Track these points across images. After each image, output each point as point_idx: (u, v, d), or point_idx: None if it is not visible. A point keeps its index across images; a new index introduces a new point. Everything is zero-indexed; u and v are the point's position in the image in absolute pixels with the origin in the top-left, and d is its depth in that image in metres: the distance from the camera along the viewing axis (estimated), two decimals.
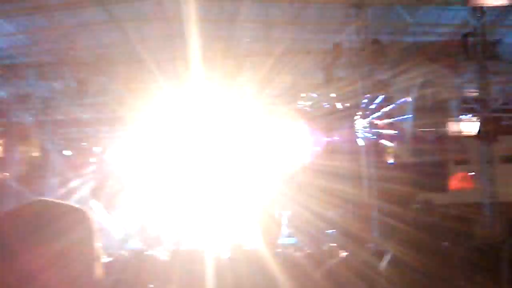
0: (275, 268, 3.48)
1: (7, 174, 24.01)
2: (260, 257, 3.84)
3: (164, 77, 20.88)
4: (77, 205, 1.67)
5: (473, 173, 24.40)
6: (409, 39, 20.57)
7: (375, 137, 22.75)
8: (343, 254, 11.12)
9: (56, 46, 21.10)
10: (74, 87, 21.72)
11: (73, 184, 26.54)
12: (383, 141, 24.48)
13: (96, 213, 24.70)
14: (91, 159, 27.35)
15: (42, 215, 1.54)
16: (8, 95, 23.07)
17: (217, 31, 21.54)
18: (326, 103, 26.08)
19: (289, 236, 23.04)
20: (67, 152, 27.01)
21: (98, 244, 1.61)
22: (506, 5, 17.13)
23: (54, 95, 24.42)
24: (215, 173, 24.35)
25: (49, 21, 18.66)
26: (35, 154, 26.41)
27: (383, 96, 23.78)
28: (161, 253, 12.13)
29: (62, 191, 25.74)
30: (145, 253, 13.96)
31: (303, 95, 24.85)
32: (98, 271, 1.60)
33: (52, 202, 1.63)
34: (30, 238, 1.48)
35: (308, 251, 13.77)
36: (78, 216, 1.60)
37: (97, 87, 23.15)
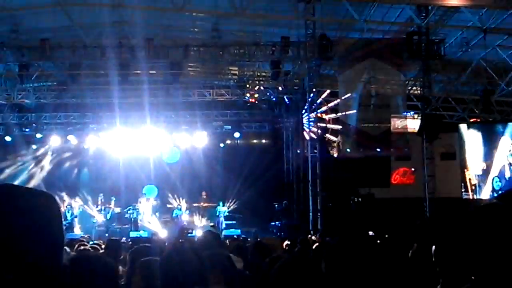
0: None
1: None
2: None
3: (109, 63, 20.54)
4: (42, 190, 1.64)
5: (414, 169, 24.99)
6: (356, 35, 20.83)
7: (320, 131, 23.01)
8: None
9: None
10: (16, 71, 21.11)
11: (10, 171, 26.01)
12: (329, 135, 24.78)
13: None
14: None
15: (7, 198, 1.50)
16: None
17: (165, 20, 21.35)
18: (273, 96, 26.23)
19: (231, 228, 23.07)
20: (7, 138, 26.31)
21: (62, 230, 1.58)
22: (450, 5, 17.51)
23: None
24: None
25: None
26: None
27: (329, 91, 24.07)
28: None
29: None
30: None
31: (250, 87, 24.90)
32: (61, 257, 1.57)
33: (16, 186, 1.60)
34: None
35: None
36: (43, 201, 1.57)
37: (39, 72, 22.60)
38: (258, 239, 10.98)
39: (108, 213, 24.11)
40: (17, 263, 1.44)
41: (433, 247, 3.84)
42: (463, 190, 21.04)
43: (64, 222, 23.07)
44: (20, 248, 1.45)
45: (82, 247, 6.79)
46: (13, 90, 24.11)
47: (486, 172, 20.70)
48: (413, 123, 22.30)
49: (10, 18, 19.72)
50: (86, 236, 18.70)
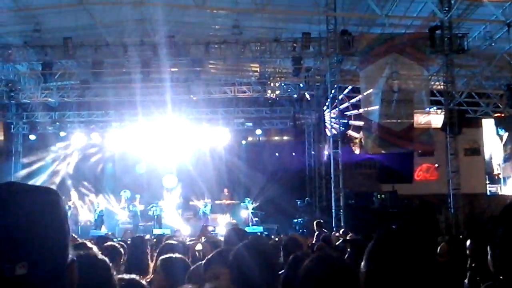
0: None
1: None
2: None
3: (131, 61, 20.66)
4: (47, 187, 1.64)
5: (438, 165, 24.78)
6: (378, 30, 20.68)
7: (342, 127, 22.93)
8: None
9: (22, 28, 20.70)
10: (39, 70, 21.32)
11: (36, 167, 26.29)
12: (351, 132, 24.67)
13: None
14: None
15: (10, 196, 1.51)
16: None
17: (186, 17, 21.39)
18: (294, 93, 26.18)
19: (255, 225, 23.10)
20: (32, 136, 26.64)
21: (64, 226, 1.58)
22: None
23: (19, 77, 24.03)
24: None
25: (15, 2, 18.27)
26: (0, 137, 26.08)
27: (351, 86, 23.95)
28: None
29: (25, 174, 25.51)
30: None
31: (271, 84, 24.87)
32: (69, 254, 1.57)
33: (22, 184, 1.60)
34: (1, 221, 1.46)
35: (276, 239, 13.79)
36: (49, 198, 1.57)
37: (63, 70, 22.80)
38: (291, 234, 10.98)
39: (132, 210, 24.30)
40: (22, 259, 1.44)
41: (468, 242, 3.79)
42: (487, 182, 20.81)
43: (92, 221, 23.49)
44: (23, 245, 1.45)
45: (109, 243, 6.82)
46: (37, 89, 24.37)
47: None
48: (436, 119, 22.07)
49: (33, 18, 19.92)
50: (110, 233, 18.86)
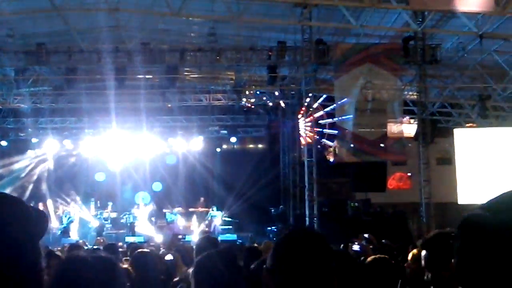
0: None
1: None
2: None
3: (105, 68, 20.50)
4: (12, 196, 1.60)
5: (410, 174, 25.01)
6: (353, 40, 20.86)
7: (317, 136, 23.02)
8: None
9: None
10: (12, 76, 21.05)
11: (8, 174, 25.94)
12: (325, 140, 24.77)
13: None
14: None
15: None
16: None
17: (161, 24, 21.34)
18: (269, 101, 26.24)
19: (227, 233, 23.02)
20: (3, 142, 26.27)
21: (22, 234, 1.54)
22: (447, 10, 17.53)
23: None
24: None
25: None
26: None
27: (326, 95, 24.07)
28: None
29: None
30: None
31: (246, 92, 24.91)
32: (40, 266, 1.54)
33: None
34: None
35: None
36: (13, 208, 1.54)
37: (35, 76, 22.54)
38: (255, 244, 10.96)
39: (104, 217, 24.08)
40: None
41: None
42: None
43: (60, 227, 23.17)
44: None
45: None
46: (9, 94, 24.04)
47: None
48: (409, 128, 22.29)
49: (7, 23, 19.67)
50: (81, 241, 18.63)
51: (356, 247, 8.97)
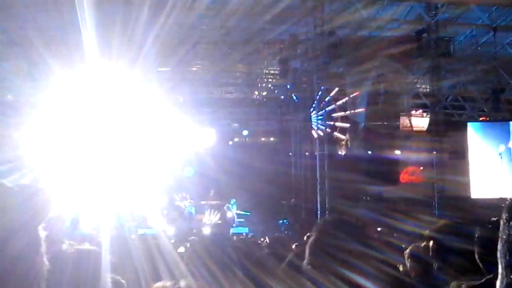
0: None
1: None
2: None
3: (114, 62, 20.52)
4: (27, 184, 1.60)
5: (423, 168, 24.87)
6: (365, 33, 20.74)
7: (329, 129, 22.96)
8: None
9: (7, 25, 20.52)
10: (25, 68, 21.16)
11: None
12: (337, 133, 24.72)
13: None
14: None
15: None
16: None
17: (173, 17, 21.30)
18: (281, 94, 26.20)
19: (239, 225, 23.08)
20: (16, 135, 26.39)
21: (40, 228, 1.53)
22: (464, 1, 17.41)
23: (4, 75, 23.82)
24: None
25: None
26: None
27: (337, 88, 24.00)
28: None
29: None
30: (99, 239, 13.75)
31: (258, 85, 24.90)
32: (40, 257, 1.53)
33: None
34: None
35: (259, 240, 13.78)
36: (25, 194, 1.53)
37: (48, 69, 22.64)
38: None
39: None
40: None
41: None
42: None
43: (70, 219, 23.27)
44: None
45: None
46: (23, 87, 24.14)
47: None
48: (421, 121, 22.18)
49: (19, 15, 19.74)
50: (94, 233, 18.71)
51: None
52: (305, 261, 2.71)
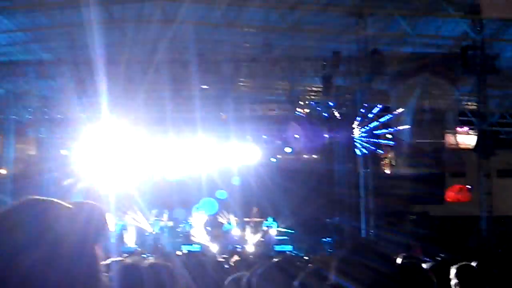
0: None
1: (3, 171, 24.00)
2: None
3: (162, 79, 20.84)
4: (82, 201, 1.61)
5: (470, 186, 24.35)
6: (409, 49, 20.53)
7: (372, 147, 22.70)
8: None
9: (56, 44, 21.10)
10: (73, 86, 21.64)
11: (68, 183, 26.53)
12: (381, 151, 24.43)
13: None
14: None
15: (39, 214, 1.48)
16: (6, 92, 23.06)
17: (217, 35, 21.55)
18: (324, 111, 26.08)
19: (282, 243, 22.98)
20: (64, 151, 26.94)
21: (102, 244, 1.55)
22: (506, 18, 17.09)
23: (53, 93, 24.42)
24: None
25: (49, 19, 18.67)
26: (32, 152, 26.40)
27: (381, 105, 23.77)
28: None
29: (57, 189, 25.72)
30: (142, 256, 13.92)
31: (301, 102, 24.85)
32: (103, 275, 1.55)
33: (47, 200, 1.56)
34: (29, 239, 1.43)
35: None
36: (83, 214, 1.55)
37: (95, 87, 23.10)
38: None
39: (161, 226, 24.40)
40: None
41: None
42: None
43: (113, 234, 23.60)
44: (52, 267, 1.43)
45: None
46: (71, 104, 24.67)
47: None
48: (468, 139, 21.75)
49: (67, 34, 20.27)
50: (139, 249, 18.97)
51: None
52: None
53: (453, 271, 4.85)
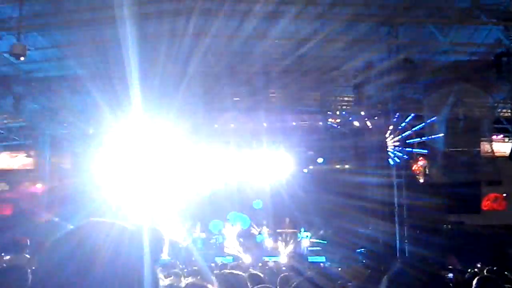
0: None
1: (39, 186, 24.36)
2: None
3: (195, 92, 20.97)
4: (133, 224, 1.64)
5: (506, 195, 23.97)
6: (441, 58, 20.34)
7: (406, 156, 22.53)
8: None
9: (90, 59, 21.36)
10: (107, 100, 21.89)
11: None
12: (414, 160, 24.21)
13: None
14: None
15: (104, 234, 1.53)
16: (41, 108, 23.43)
17: (247, 47, 21.62)
18: (356, 121, 25.97)
19: (316, 254, 22.87)
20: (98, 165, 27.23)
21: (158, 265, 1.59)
22: None
23: (87, 108, 24.72)
24: None
25: (83, 35, 18.93)
26: (67, 166, 26.75)
27: (414, 114, 23.58)
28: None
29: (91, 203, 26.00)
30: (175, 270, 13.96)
31: (333, 112, 24.78)
32: None
33: (110, 221, 1.61)
34: (93, 258, 1.47)
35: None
36: (144, 236, 1.58)
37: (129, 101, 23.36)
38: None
39: (194, 238, 24.50)
40: None
41: None
42: None
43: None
44: None
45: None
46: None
47: None
48: (503, 147, 21.44)
49: (100, 50, 20.53)
50: (173, 260, 19.04)
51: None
52: None
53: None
